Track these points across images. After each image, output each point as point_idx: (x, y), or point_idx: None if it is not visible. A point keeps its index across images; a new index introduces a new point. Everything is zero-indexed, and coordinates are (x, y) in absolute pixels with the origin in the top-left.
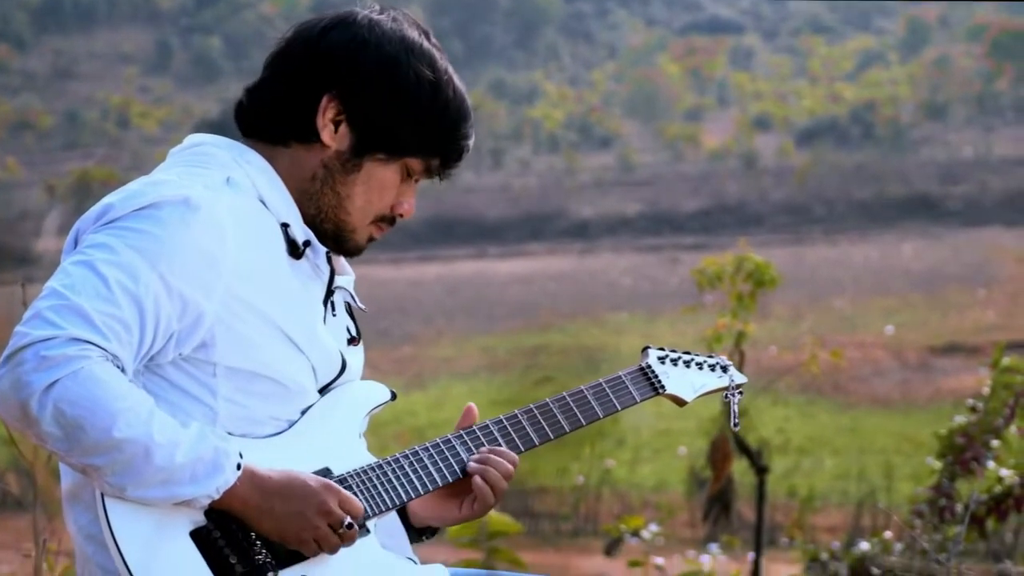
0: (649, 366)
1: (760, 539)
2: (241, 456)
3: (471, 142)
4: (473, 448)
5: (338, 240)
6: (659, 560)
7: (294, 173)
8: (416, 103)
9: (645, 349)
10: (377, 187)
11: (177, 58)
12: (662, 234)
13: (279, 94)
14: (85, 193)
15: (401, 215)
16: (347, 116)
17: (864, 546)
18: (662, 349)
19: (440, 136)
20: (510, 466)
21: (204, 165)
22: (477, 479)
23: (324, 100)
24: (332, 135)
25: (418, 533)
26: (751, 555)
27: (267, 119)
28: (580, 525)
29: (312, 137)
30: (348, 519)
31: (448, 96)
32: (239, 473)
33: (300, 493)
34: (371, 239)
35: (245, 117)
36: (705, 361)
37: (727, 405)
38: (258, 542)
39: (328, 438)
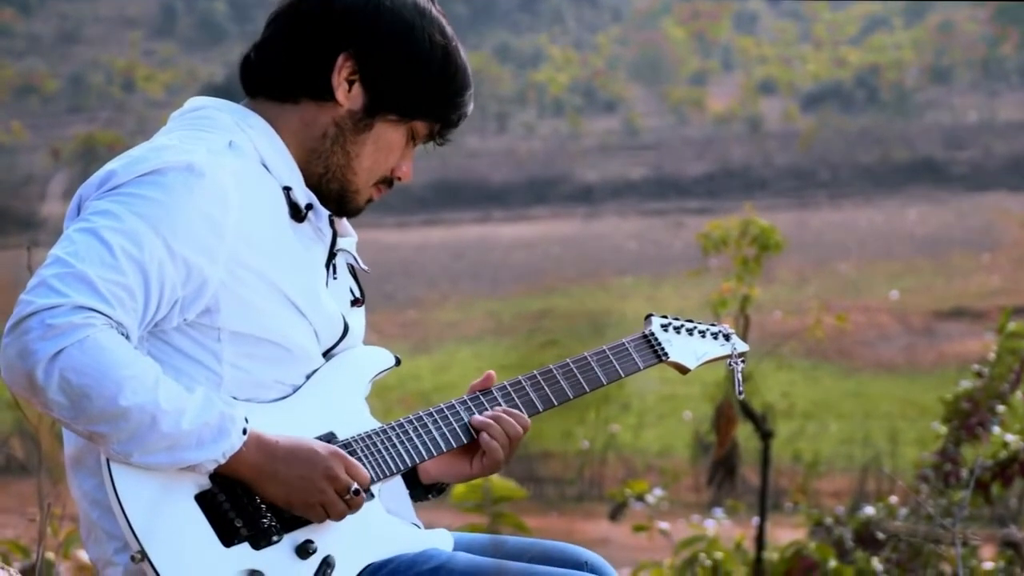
0: (652, 334)
1: (764, 504)
2: (247, 421)
3: (471, 109)
4: (477, 414)
5: (341, 200)
6: (663, 525)
7: (303, 131)
8: (428, 67)
9: (648, 317)
10: (385, 148)
11: (182, 21)
12: (667, 198)
13: (292, 51)
14: (90, 157)
15: (399, 178)
16: (361, 76)
17: (869, 511)
18: (665, 317)
19: (448, 101)
20: (519, 427)
21: (206, 129)
22: (484, 435)
23: (340, 59)
24: (346, 94)
25: (426, 490)
26: (755, 519)
27: (278, 76)
28: (585, 490)
29: (326, 95)
30: (355, 485)
31: (458, 63)
32: (245, 438)
33: (307, 458)
34: (369, 201)
35: (252, 74)
36: (708, 329)
37: (731, 373)
38: (263, 506)
39: (332, 403)
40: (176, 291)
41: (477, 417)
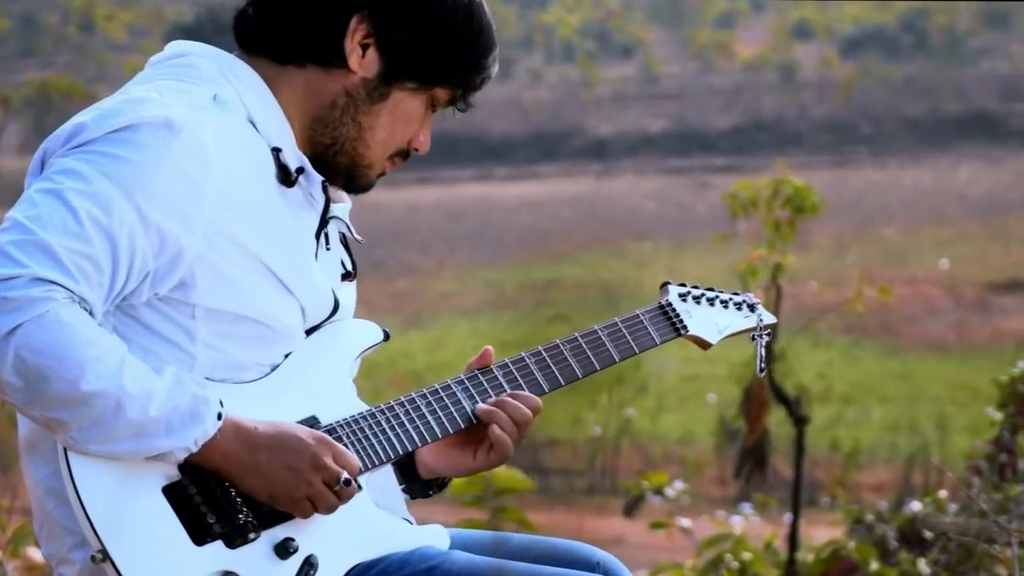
0: (669, 304)
1: (798, 498)
2: (222, 405)
3: (496, 71)
4: (475, 395)
5: (351, 175)
6: (685, 522)
7: (308, 98)
8: (450, 29)
9: (664, 285)
10: (402, 119)
11: None
12: (690, 154)
13: (300, 11)
14: (45, 106)
15: (417, 150)
16: (376, 40)
17: (915, 506)
18: (683, 285)
19: (472, 64)
20: (527, 411)
21: (189, 79)
22: (495, 428)
23: (354, 21)
24: (359, 60)
25: (425, 485)
26: (788, 516)
27: (281, 36)
28: (596, 482)
29: (335, 61)
30: (345, 475)
31: (482, 22)
32: (220, 423)
33: (291, 447)
34: (381, 174)
35: (250, 30)
36: (731, 299)
37: (754, 348)
38: (238, 499)
39: (315, 384)
40: (148, 263)
41: (482, 406)
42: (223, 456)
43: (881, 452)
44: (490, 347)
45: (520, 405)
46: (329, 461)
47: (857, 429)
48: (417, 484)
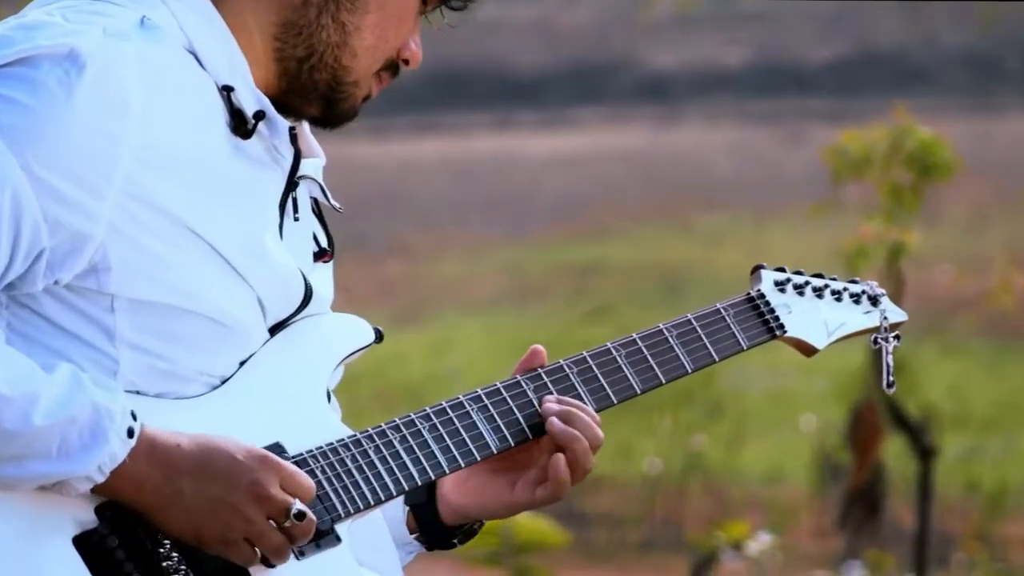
0: (762, 295)
1: (923, 556)
2: (135, 417)
3: None
4: (496, 416)
5: (332, 98)
6: None
7: (272, 2)
8: None
9: (757, 270)
10: (394, 17)
11: None
12: (779, 95)
13: None
14: None
15: (406, 61)
16: None
17: None
18: (782, 271)
19: None
20: (597, 429)
21: None
22: (559, 458)
23: None
24: None
25: (447, 533)
26: None
27: None
28: (654, 533)
29: None
30: (297, 505)
31: None
32: (132, 442)
33: (222, 470)
34: (367, 98)
35: None
36: (845, 289)
37: (878, 354)
38: (167, 542)
39: (280, 401)
40: (40, 238)
41: (551, 405)
42: (134, 485)
43: None
44: (539, 346)
45: (590, 421)
46: (273, 488)
47: (1002, 464)
48: (437, 530)
